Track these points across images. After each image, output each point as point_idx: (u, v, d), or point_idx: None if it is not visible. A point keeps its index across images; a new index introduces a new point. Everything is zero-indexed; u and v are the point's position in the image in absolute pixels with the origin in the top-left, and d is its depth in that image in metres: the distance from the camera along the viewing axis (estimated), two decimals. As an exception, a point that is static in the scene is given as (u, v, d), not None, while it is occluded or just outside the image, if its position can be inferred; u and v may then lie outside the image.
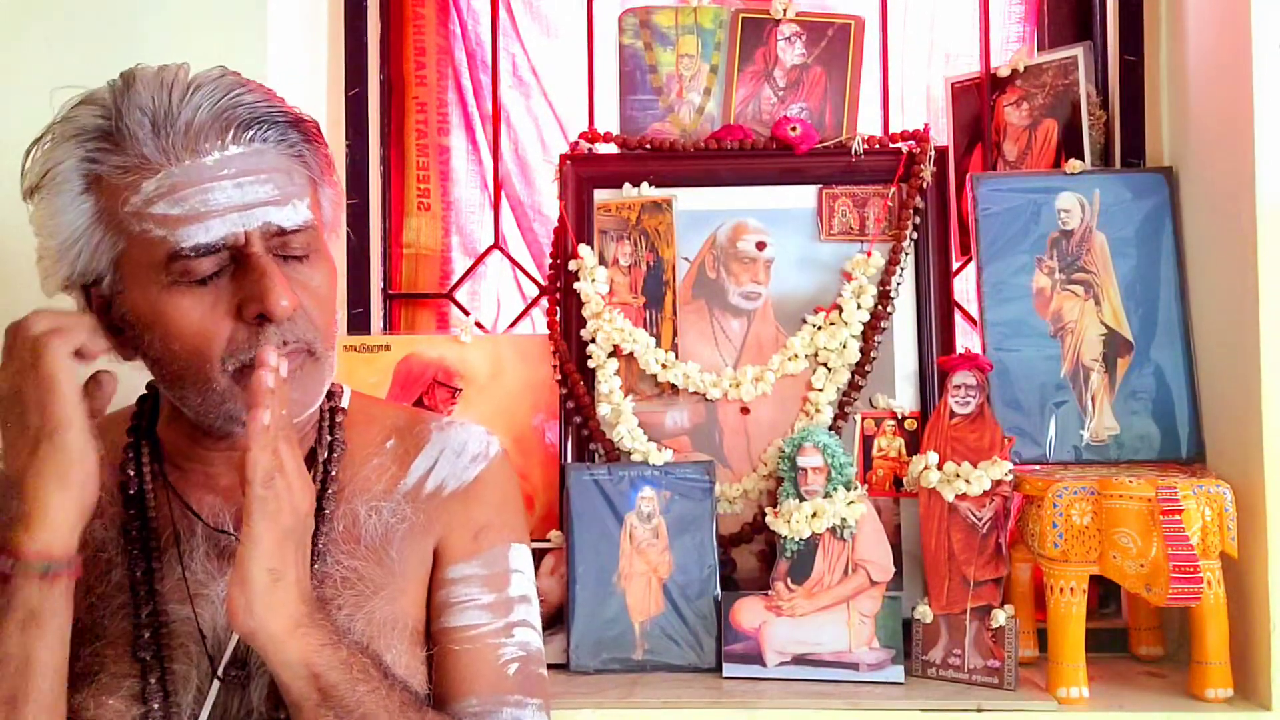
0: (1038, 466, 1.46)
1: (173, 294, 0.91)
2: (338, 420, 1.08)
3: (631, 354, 1.52)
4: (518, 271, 1.77)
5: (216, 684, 0.97)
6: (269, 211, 0.91)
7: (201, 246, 0.89)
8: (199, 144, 0.89)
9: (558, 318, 1.56)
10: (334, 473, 1.04)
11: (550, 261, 1.58)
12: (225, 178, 0.89)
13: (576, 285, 1.54)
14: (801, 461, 1.42)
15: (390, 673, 0.97)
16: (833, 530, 1.41)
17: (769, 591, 1.42)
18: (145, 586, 0.98)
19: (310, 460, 1.05)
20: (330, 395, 1.08)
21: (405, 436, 1.10)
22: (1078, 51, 1.59)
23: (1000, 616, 1.36)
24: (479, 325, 1.71)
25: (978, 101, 1.66)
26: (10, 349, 0.91)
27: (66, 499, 0.88)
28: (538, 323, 1.74)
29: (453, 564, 1.06)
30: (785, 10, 1.59)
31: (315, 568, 0.98)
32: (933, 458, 1.41)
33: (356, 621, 1.00)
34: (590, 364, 1.53)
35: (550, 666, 1.42)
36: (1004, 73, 1.64)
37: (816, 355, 1.51)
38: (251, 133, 0.91)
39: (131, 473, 1.02)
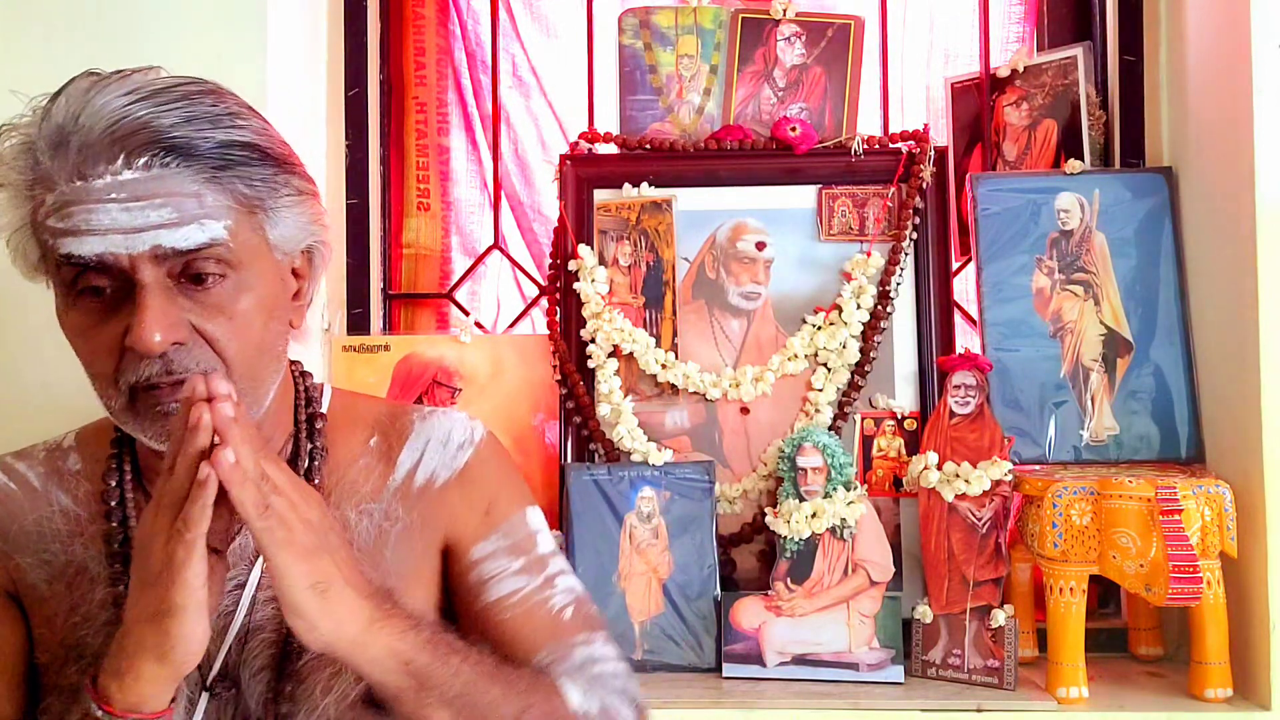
0: (1037, 466, 1.46)
1: (75, 307, 0.90)
2: (317, 426, 1.05)
3: (631, 354, 1.52)
4: (518, 271, 1.77)
5: (205, 696, 0.96)
6: (160, 235, 0.86)
7: (74, 258, 0.87)
8: (89, 166, 0.86)
9: (558, 318, 1.56)
10: (316, 481, 1.02)
11: (550, 261, 1.58)
12: (113, 201, 0.86)
13: (576, 285, 1.54)
14: (801, 461, 1.42)
15: (473, 643, 0.95)
16: (833, 530, 1.41)
17: (769, 591, 1.42)
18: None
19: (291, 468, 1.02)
20: (309, 401, 1.06)
21: (388, 431, 1.08)
22: (1077, 51, 1.59)
23: (1000, 616, 1.36)
24: (479, 325, 1.71)
25: (977, 101, 1.66)
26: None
27: (162, 672, 0.85)
28: (538, 323, 1.74)
29: (473, 546, 1.05)
30: (785, 10, 1.59)
31: None
32: (932, 458, 1.41)
33: None
34: (590, 364, 1.53)
35: (550, 666, 1.44)
36: (1004, 73, 1.64)
37: (816, 355, 1.51)
38: (145, 159, 0.86)
39: (113, 483, 1.01)
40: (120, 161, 0.86)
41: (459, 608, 1.06)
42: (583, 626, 1.04)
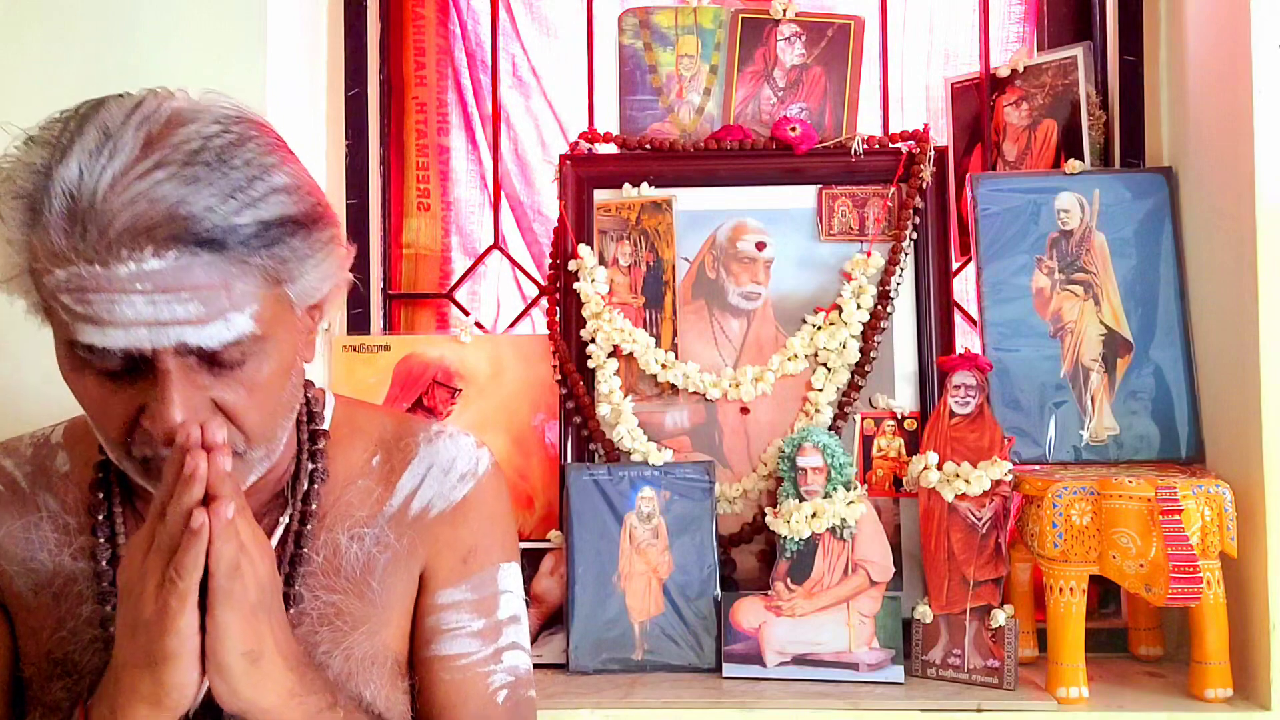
0: (1037, 466, 1.46)
1: (82, 372, 0.85)
2: (319, 446, 1.02)
3: (631, 354, 1.52)
4: (518, 271, 1.77)
5: None
6: (185, 332, 0.81)
7: (96, 349, 0.81)
8: (112, 252, 0.78)
9: (557, 318, 1.56)
10: (314, 506, 1.00)
11: (550, 261, 1.58)
12: (138, 292, 0.79)
13: (576, 285, 1.54)
14: (801, 461, 1.42)
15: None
16: (832, 530, 1.41)
17: (769, 591, 1.42)
18: (115, 621, 0.90)
19: (290, 490, 1.00)
20: (312, 416, 1.03)
21: (392, 451, 1.05)
22: (1077, 52, 1.59)
23: (1000, 616, 1.36)
24: (479, 325, 1.71)
25: (977, 101, 1.66)
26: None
27: (156, 716, 0.83)
28: (538, 323, 1.74)
29: (441, 589, 1.03)
30: (785, 10, 1.59)
31: (291, 610, 0.95)
32: (932, 458, 1.41)
33: (334, 659, 0.97)
34: (590, 364, 1.53)
35: (550, 666, 1.44)
36: (1004, 73, 1.64)
37: (816, 355, 1.51)
38: (175, 251, 0.79)
39: (100, 496, 0.98)
40: (149, 250, 0.78)
41: (410, 638, 1.05)
42: (508, 716, 1.04)
